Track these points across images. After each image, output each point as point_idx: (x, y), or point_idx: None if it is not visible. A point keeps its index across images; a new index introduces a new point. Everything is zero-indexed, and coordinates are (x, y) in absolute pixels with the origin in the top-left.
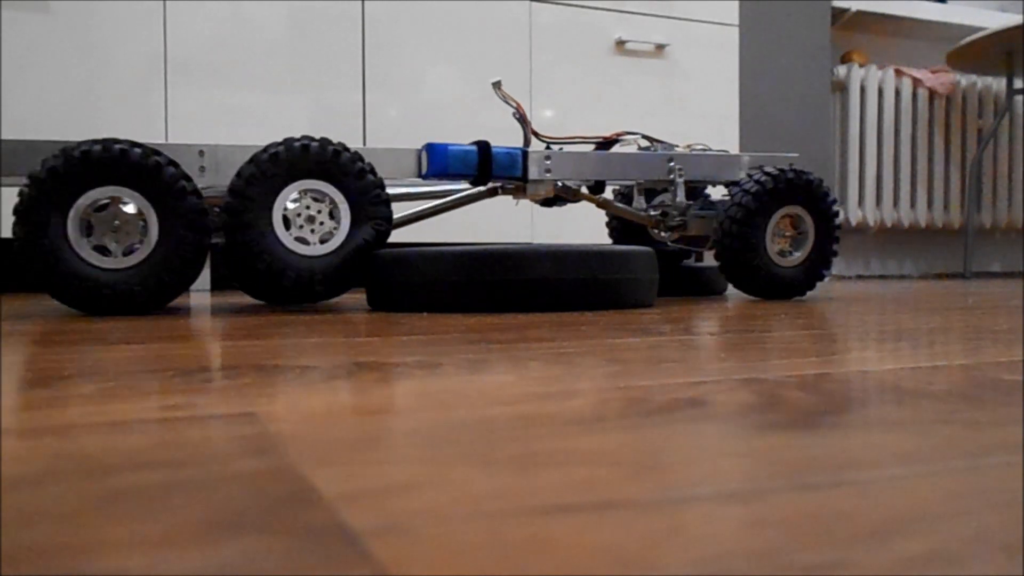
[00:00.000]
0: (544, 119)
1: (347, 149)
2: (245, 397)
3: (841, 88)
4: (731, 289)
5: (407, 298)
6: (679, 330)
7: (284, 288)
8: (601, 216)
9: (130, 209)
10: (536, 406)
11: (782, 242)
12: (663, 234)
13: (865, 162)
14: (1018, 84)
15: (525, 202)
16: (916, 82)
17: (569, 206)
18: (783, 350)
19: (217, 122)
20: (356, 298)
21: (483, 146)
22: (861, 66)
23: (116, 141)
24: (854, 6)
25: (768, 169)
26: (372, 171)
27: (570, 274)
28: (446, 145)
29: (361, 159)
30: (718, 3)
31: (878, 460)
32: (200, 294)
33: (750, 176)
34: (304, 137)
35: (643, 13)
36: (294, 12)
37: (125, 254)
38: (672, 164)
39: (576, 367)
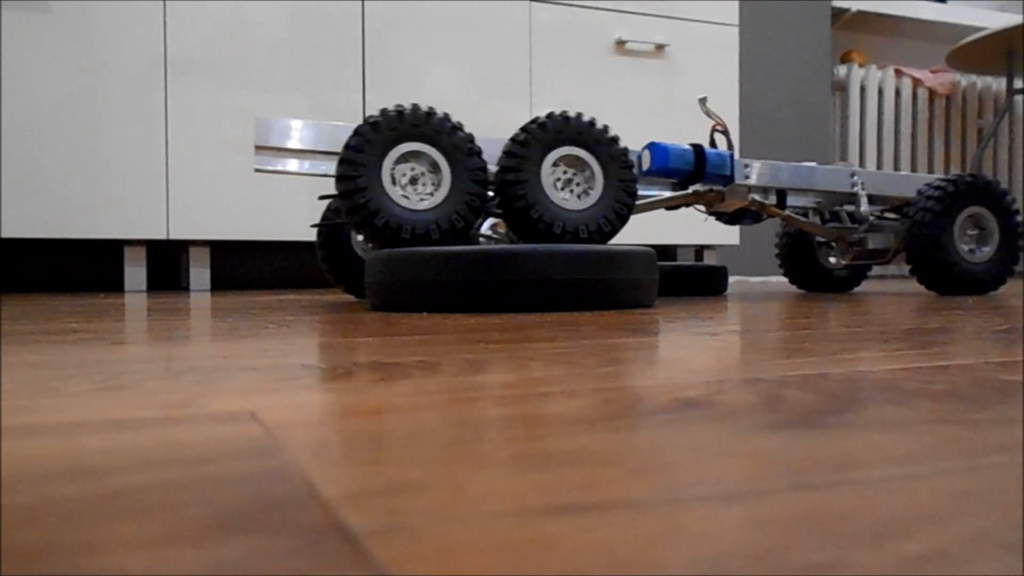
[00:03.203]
0: None
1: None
2: (245, 397)
3: (841, 88)
4: (730, 289)
5: (407, 298)
6: (679, 330)
7: (555, 236)
8: None
9: (429, 162)
10: (536, 406)
11: (970, 241)
12: (832, 260)
13: (865, 162)
14: (1018, 84)
15: None
16: (916, 82)
17: None
18: (783, 350)
19: (217, 122)
20: (356, 298)
21: (698, 147)
22: (861, 66)
23: (419, 107)
24: (854, 6)
25: (947, 176)
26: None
27: (570, 274)
28: (666, 144)
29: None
30: (718, 3)
31: (878, 460)
32: (200, 294)
33: (930, 184)
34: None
35: (643, 13)
36: (294, 12)
37: (420, 199)
38: (855, 178)
39: (576, 367)
